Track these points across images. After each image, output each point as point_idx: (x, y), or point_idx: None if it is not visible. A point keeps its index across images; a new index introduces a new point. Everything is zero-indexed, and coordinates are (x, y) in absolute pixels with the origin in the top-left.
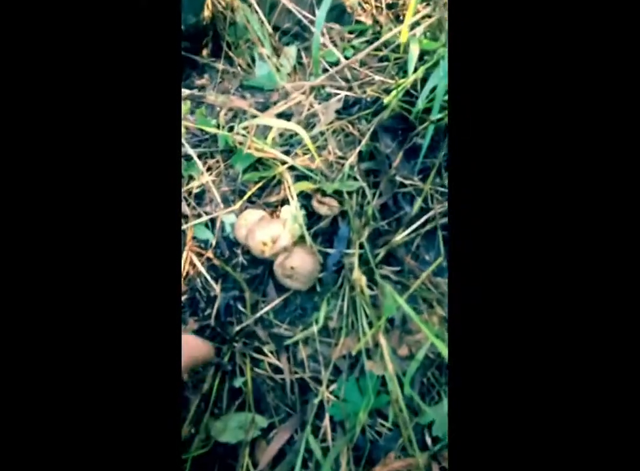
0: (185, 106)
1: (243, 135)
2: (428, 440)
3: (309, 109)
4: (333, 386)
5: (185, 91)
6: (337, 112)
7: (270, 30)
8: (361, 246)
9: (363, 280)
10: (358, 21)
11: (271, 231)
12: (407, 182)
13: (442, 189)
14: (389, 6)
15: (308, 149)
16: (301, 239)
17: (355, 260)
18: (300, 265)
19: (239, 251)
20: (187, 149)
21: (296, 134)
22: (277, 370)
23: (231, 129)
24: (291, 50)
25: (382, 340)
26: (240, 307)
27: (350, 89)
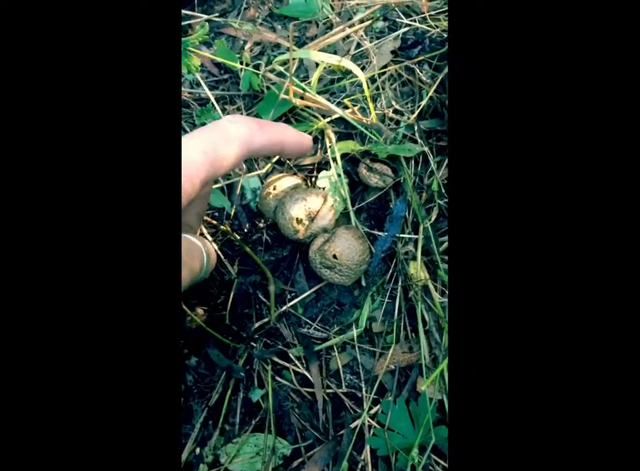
0: (202, 31)
1: (280, 74)
2: None
3: (357, 48)
4: (376, 409)
5: (202, 16)
6: (394, 52)
7: None
8: (423, 230)
9: (424, 276)
10: None
11: (309, 206)
12: None
13: None
14: None
15: (355, 100)
16: (342, 218)
17: (417, 250)
18: (345, 253)
19: (262, 225)
20: (203, 90)
21: (339, 79)
22: (305, 382)
23: (256, 67)
24: None
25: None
26: (261, 296)
27: (408, 24)
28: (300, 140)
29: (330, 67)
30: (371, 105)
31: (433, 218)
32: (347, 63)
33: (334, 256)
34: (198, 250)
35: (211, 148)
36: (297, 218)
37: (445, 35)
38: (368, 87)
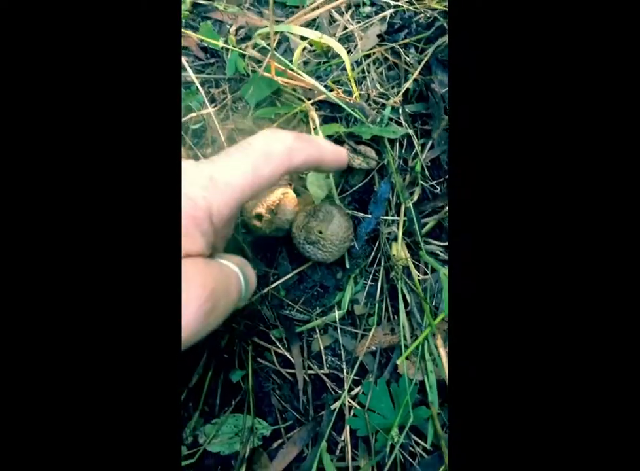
0: (182, 6)
1: (263, 51)
2: None
3: (343, 31)
4: (357, 390)
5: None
6: (380, 36)
7: None
8: (404, 212)
9: (404, 256)
10: None
11: (268, 199)
12: None
13: None
14: None
15: (340, 82)
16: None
17: (399, 231)
18: (330, 228)
19: None
20: (188, 73)
21: (325, 61)
22: (287, 363)
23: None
24: None
25: (429, 338)
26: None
27: (397, 6)
28: (337, 155)
29: (314, 49)
30: (353, 84)
31: (415, 199)
32: (328, 40)
33: (319, 231)
34: (235, 277)
35: (250, 169)
36: (256, 214)
37: (431, 18)
38: (351, 66)
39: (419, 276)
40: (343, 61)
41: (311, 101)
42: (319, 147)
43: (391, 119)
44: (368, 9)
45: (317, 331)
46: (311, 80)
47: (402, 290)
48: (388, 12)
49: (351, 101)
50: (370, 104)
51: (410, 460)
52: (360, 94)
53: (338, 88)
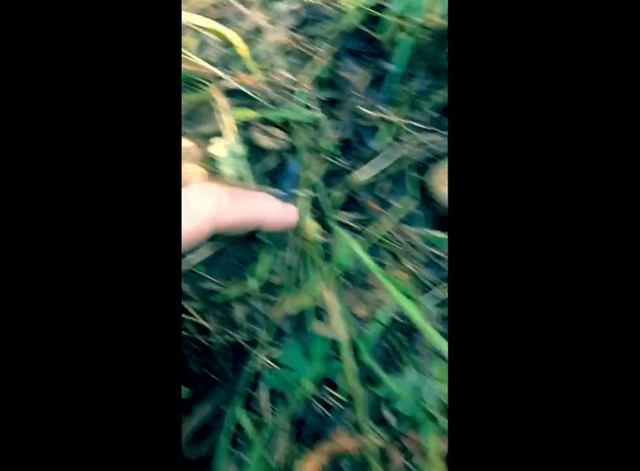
0: None
1: None
2: (388, 416)
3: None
4: (273, 350)
5: None
6: (291, 29)
7: None
8: (314, 187)
9: (314, 226)
10: None
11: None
12: (373, 113)
13: (416, 124)
14: None
15: (248, 69)
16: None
17: (307, 204)
18: None
19: None
20: None
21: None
22: (205, 332)
23: None
24: None
25: (332, 297)
26: None
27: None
28: (283, 214)
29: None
30: (252, 66)
31: (322, 174)
32: (214, 24)
33: None
34: None
35: None
36: None
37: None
38: (257, 55)
39: (317, 237)
40: (249, 49)
41: (216, 87)
42: (259, 206)
43: (302, 104)
44: (284, 7)
45: (235, 301)
46: (208, 66)
47: (312, 258)
48: (299, 6)
49: (252, 82)
50: (280, 91)
51: (326, 412)
52: (269, 81)
53: (243, 74)
